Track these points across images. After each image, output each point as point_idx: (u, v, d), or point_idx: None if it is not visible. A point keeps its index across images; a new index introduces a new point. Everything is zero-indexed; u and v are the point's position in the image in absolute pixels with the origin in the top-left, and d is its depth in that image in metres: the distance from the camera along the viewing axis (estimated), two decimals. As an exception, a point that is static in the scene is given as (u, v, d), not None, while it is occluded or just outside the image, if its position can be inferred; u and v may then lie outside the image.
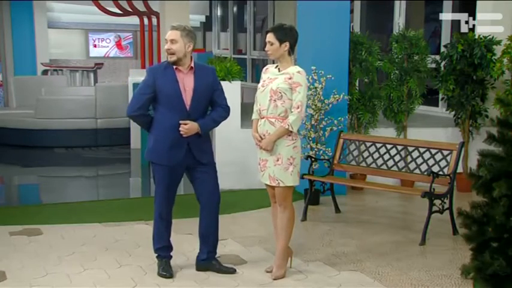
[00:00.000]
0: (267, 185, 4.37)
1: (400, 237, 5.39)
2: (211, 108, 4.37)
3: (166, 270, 4.36)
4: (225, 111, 4.38)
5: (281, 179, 4.23)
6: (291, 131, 4.20)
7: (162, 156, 4.21)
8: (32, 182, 8.51)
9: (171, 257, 4.46)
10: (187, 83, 4.18)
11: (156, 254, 4.43)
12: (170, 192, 4.32)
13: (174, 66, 4.18)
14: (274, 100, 4.19)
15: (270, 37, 4.21)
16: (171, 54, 4.14)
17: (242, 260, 4.71)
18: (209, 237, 4.44)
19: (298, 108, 4.16)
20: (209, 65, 4.43)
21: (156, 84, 4.16)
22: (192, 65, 4.22)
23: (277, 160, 4.22)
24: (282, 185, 4.24)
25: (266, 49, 4.27)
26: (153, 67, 4.44)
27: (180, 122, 4.14)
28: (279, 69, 4.29)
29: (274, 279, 4.31)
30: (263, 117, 4.27)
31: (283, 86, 4.18)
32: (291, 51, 4.26)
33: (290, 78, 4.18)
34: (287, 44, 4.21)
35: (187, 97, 4.17)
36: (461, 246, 4.64)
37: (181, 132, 4.14)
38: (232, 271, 4.43)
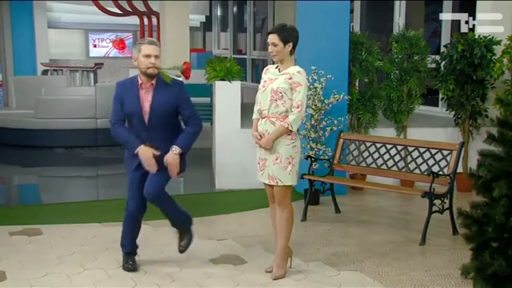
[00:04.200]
0: (266, 184, 4.37)
1: (400, 237, 5.40)
2: (183, 122, 4.40)
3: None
4: (196, 127, 4.38)
5: (280, 178, 4.23)
6: (291, 131, 4.21)
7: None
8: (32, 182, 8.50)
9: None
10: (146, 100, 4.24)
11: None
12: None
13: (140, 82, 4.24)
14: (275, 100, 4.20)
15: (274, 38, 4.20)
16: (156, 68, 4.21)
17: (242, 260, 4.71)
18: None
19: (298, 107, 4.16)
20: (177, 80, 4.43)
21: (123, 98, 4.28)
22: (153, 82, 4.24)
23: (276, 159, 4.23)
24: (280, 184, 4.24)
25: (270, 51, 4.26)
26: (120, 82, 4.46)
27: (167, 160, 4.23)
28: (279, 69, 4.29)
29: (274, 279, 4.31)
30: (264, 117, 4.27)
31: (284, 86, 4.18)
32: (293, 51, 4.26)
33: (290, 78, 4.18)
34: (291, 44, 4.22)
35: (145, 114, 4.24)
36: (461, 246, 4.64)
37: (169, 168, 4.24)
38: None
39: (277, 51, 4.21)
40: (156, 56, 4.18)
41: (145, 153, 4.19)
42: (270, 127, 4.23)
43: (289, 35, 4.21)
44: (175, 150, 4.24)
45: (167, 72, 4.39)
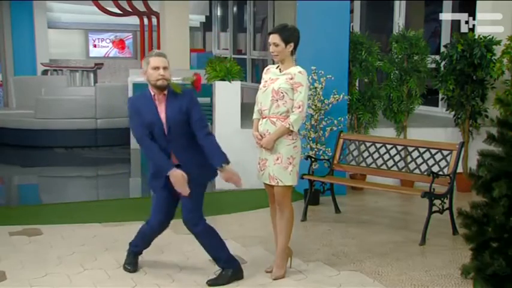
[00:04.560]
0: (266, 184, 4.37)
1: (400, 237, 5.40)
2: (192, 126, 4.24)
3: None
4: (209, 131, 4.30)
5: (280, 178, 4.23)
6: (292, 131, 4.21)
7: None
8: (32, 182, 8.50)
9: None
10: (161, 111, 4.19)
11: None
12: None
13: (153, 94, 4.19)
14: (276, 100, 4.20)
15: (275, 38, 4.19)
16: (166, 80, 4.17)
17: (242, 260, 4.70)
18: None
19: (299, 108, 4.16)
20: (188, 90, 4.38)
21: (140, 112, 4.19)
22: (165, 93, 4.21)
23: (277, 159, 4.23)
24: (281, 184, 4.24)
25: (271, 51, 4.25)
26: (132, 98, 4.41)
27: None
28: (280, 69, 4.29)
29: (274, 279, 4.31)
30: (264, 117, 4.27)
31: (285, 86, 4.18)
32: (294, 51, 4.26)
33: (291, 79, 4.18)
34: (292, 44, 4.21)
35: (164, 124, 4.17)
36: (461, 246, 4.63)
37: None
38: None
39: (279, 51, 4.21)
40: (165, 68, 4.15)
41: (177, 177, 4.08)
42: (270, 127, 4.23)
43: (290, 35, 4.21)
44: (226, 167, 4.14)
45: (177, 83, 4.39)
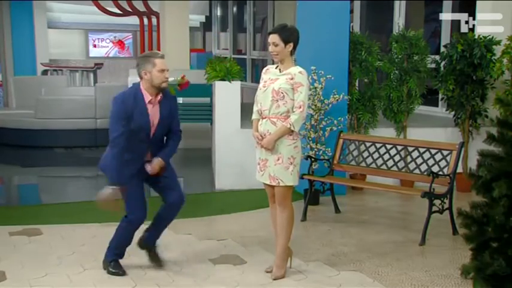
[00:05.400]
0: (266, 185, 4.37)
1: (400, 237, 5.40)
2: (170, 133, 4.43)
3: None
4: (179, 139, 4.48)
5: (281, 178, 4.23)
6: (293, 131, 4.21)
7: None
8: (32, 182, 8.50)
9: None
10: (154, 114, 4.26)
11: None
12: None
13: (149, 96, 4.23)
14: (277, 100, 4.20)
15: (275, 38, 4.20)
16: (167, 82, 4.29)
17: (242, 260, 4.71)
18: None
19: (300, 108, 4.16)
20: (170, 93, 4.49)
21: (130, 115, 4.20)
22: (160, 95, 4.28)
23: (278, 159, 4.23)
24: (282, 184, 4.24)
25: (271, 50, 4.26)
26: (120, 98, 4.33)
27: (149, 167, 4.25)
28: (279, 69, 4.29)
29: (274, 279, 4.31)
30: (265, 117, 4.27)
31: (285, 87, 4.18)
32: (293, 51, 4.27)
33: (292, 79, 4.18)
34: (291, 44, 4.22)
35: (153, 127, 4.27)
36: (461, 246, 4.63)
37: (149, 172, 4.25)
38: (160, 265, 4.53)
39: (278, 51, 4.21)
40: (168, 70, 4.26)
41: (112, 194, 4.14)
42: (271, 127, 4.23)
43: (290, 35, 4.22)
44: (159, 162, 4.29)
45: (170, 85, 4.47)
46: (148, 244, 4.56)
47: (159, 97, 4.26)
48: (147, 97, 4.24)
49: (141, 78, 4.27)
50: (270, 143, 4.20)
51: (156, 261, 4.55)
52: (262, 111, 4.28)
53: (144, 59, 4.28)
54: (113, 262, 4.46)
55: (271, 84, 4.24)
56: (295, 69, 4.22)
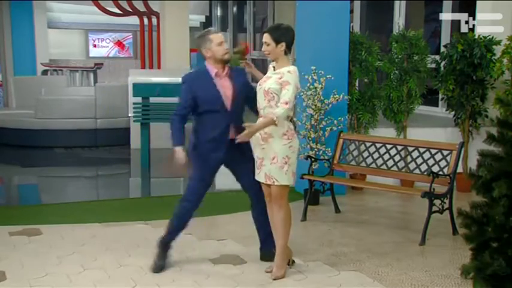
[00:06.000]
0: (263, 184, 4.37)
1: (400, 237, 5.40)
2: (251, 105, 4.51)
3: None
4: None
5: (276, 178, 4.24)
6: (285, 134, 4.20)
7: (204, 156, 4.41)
8: (32, 182, 8.50)
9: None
10: (225, 86, 4.37)
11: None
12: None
13: (215, 71, 4.37)
14: (268, 100, 4.23)
15: (266, 38, 4.24)
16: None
17: (242, 260, 4.71)
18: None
19: (286, 104, 4.14)
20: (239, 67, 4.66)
21: (196, 92, 4.35)
22: (227, 68, 4.42)
23: (273, 159, 4.23)
24: (276, 183, 4.25)
25: (263, 50, 4.31)
26: (188, 77, 4.51)
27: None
28: (274, 68, 4.31)
29: (274, 279, 4.31)
30: (261, 116, 4.29)
31: (275, 87, 4.20)
32: (288, 51, 4.27)
33: (280, 78, 4.20)
34: (283, 44, 4.22)
35: (227, 99, 4.35)
36: (461, 246, 4.64)
37: (238, 141, 4.24)
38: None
39: (269, 51, 4.25)
40: (225, 41, 4.41)
41: (181, 156, 4.28)
42: (268, 127, 4.24)
43: (281, 34, 4.23)
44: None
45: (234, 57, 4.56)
46: (269, 250, 4.57)
47: (226, 70, 4.38)
48: (213, 71, 4.37)
49: (205, 58, 4.41)
50: (250, 134, 4.17)
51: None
52: (259, 110, 4.30)
53: (201, 39, 4.41)
54: (165, 252, 4.53)
55: (264, 84, 4.27)
56: (285, 69, 4.22)
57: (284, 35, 4.23)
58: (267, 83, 4.26)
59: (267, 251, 4.57)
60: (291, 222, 4.40)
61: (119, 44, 19.08)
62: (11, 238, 5.26)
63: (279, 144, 4.23)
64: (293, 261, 4.55)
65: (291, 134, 4.26)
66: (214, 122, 4.35)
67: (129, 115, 9.25)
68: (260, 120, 4.24)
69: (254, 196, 4.54)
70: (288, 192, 4.36)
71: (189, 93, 4.35)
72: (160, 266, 4.47)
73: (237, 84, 4.39)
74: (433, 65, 7.26)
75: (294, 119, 4.56)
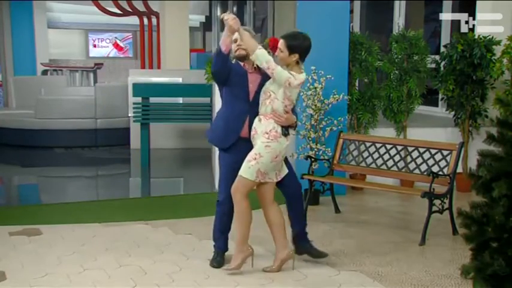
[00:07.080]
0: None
1: (400, 237, 5.40)
2: None
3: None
4: None
5: (241, 168, 4.27)
6: (269, 132, 4.23)
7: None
8: (32, 182, 8.50)
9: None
10: (253, 81, 4.41)
11: None
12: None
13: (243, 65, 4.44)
14: (264, 99, 4.27)
15: (281, 44, 4.24)
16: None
17: (242, 260, 4.71)
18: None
19: (268, 62, 4.13)
20: None
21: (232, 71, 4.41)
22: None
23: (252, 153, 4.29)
24: (240, 173, 4.27)
25: (276, 54, 4.31)
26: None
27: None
28: None
29: (227, 269, 4.37)
30: (261, 114, 4.33)
31: (269, 86, 4.25)
32: (301, 61, 4.28)
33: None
34: (296, 55, 4.22)
35: (251, 92, 4.39)
36: (461, 246, 4.64)
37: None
38: (325, 255, 4.63)
39: (281, 58, 4.25)
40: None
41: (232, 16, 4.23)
42: (257, 125, 4.29)
43: (297, 46, 4.22)
44: None
45: None
46: (304, 244, 4.64)
47: (250, 65, 4.40)
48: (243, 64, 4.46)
49: None
50: (235, 25, 4.14)
51: (319, 255, 4.64)
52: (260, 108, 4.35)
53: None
54: (214, 253, 4.59)
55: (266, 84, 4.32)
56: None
57: (299, 47, 4.22)
58: (267, 83, 4.29)
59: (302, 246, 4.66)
60: (250, 221, 4.40)
61: (116, 45, 19.08)
62: (10, 238, 5.26)
63: (259, 140, 4.26)
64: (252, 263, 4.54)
65: (274, 135, 4.24)
66: (234, 102, 4.41)
67: (129, 115, 9.26)
68: (247, 34, 4.24)
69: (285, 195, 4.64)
70: (248, 190, 4.31)
71: (227, 64, 4.39)
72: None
73: (264, 79, 4.38)
74: (433, 65, 7.26)
75: (298, 122, 4.57)
